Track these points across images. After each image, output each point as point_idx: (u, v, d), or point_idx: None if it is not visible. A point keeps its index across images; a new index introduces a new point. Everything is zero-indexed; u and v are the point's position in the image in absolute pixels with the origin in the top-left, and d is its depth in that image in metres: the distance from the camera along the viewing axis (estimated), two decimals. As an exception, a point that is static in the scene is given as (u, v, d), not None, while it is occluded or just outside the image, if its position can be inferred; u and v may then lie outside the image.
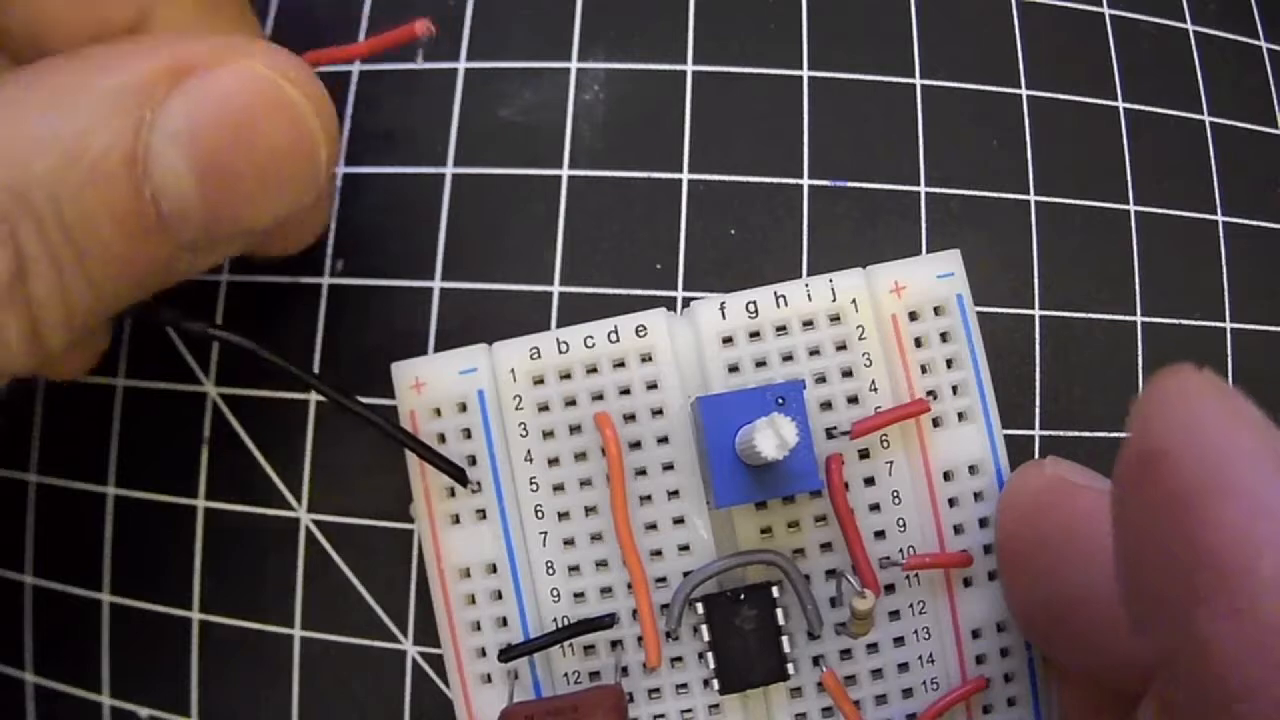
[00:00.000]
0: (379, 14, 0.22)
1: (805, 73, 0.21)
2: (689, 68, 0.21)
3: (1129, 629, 0.12)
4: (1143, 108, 0.21)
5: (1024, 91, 0.21)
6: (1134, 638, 0.12)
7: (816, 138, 0.20)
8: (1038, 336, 0.20)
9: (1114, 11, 0.22)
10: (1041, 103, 0.21)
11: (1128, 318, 0.20)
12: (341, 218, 0.20)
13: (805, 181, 0.20)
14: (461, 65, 0.21)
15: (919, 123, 0.21)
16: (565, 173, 0.20)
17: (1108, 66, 0.21)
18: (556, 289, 0.20)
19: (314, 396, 0.20)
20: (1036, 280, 0.20)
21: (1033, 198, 0.20)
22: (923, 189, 0.20)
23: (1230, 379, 0.20)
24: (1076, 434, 0.20)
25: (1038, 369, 0.20)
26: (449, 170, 0.20)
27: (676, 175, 0.20)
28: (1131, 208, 0.21)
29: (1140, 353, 0.20)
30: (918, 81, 0.21)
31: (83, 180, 0.14)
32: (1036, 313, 0.20)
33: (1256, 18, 0.22)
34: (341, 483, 0.20)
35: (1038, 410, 0.20)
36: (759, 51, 0.21)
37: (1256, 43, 0.22)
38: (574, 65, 0.21)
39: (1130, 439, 0.12)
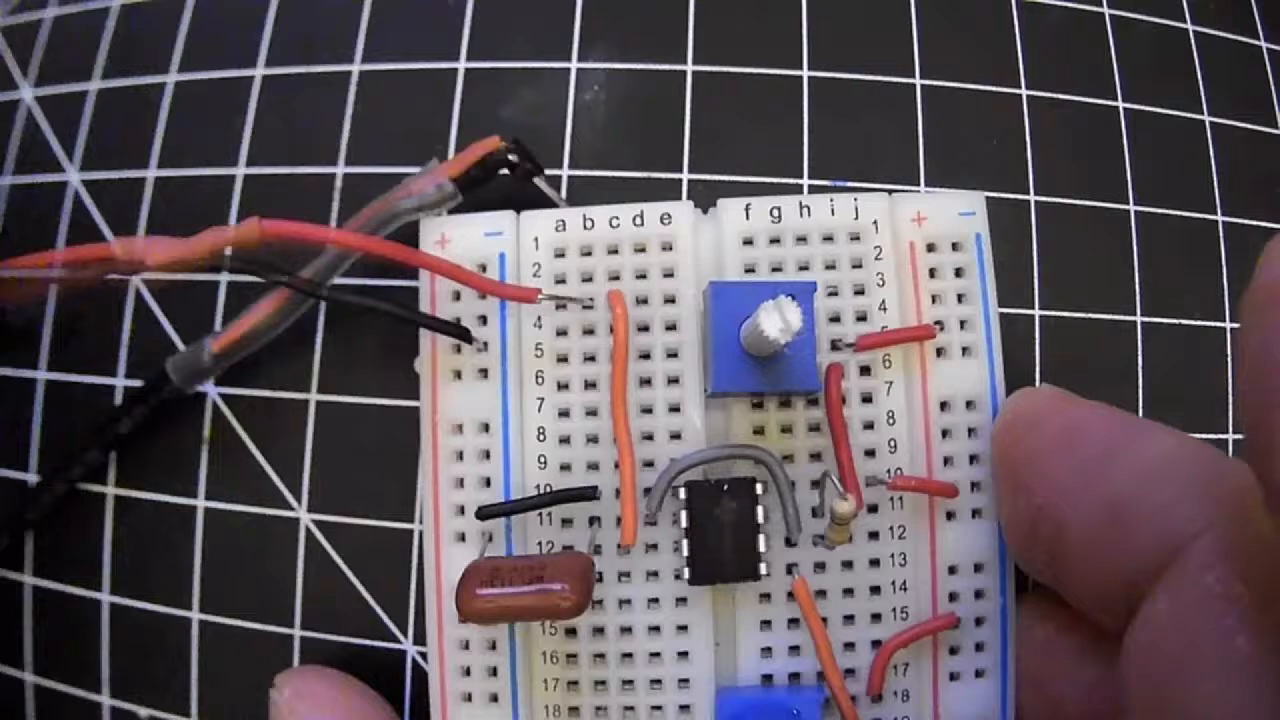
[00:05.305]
0: (379, 14, 0.22)
1: (805, 73, 0.21)
2: (689, 68, 0.21)
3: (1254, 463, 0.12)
4: (1143, 108, 0.21)
5: (1024, 91, 0.21)
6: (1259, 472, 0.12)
7: (816, 138, 0.20)
8: (1038, 336, 0.20)
9: (1114, 11, 0.22)
10: (1041, 103, 0.21)
11: (1128, 318, 0.20)
12: (343, 217, 0.20)
13: (805, 181, 0.20)
14: (461, 65, 0.21)
15: (919, 123, 0.21)
16: (565, 173, 0.20)
17: (1108, 66, 0.21)
18: (556, 289, 0.20)
19: (314, 396, 0.20)
20: (1036, 280, 0.20)
21: (1033, 198, 0.20)
22: (923, 189, 0.20)
23: (1230, 379, 0.20)
24: (1076, 434, 0.20)
25: (1038, 369, 0.20)
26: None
27: (676, 175, 0.20)
28: (1131, 208, 0.21)
29: (1140, 353, 0.20)
30: (918, 81, 0.21)
31: None
32: (1036, 313, 0.20)
33: (1256, 18, 0.22)
34: (341, 483, 0.20)
35: (1038, 410, 0.20)
36: (759, 51, 0.21)
37: (1256, 43, 0.22)
38: (574, 65, 0.21)
39: (1261, 270, 0.12)
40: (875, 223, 0.19)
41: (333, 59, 0.21)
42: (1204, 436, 0.20)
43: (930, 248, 0.19)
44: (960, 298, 0.19)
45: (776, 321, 0.15)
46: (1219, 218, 0.21)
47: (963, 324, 0.19)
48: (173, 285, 0.20)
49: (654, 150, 0.20)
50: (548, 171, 0.20)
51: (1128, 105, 0.21)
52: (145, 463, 0.21)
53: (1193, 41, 0.22)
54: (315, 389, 0.20)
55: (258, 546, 0.20)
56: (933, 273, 0.19)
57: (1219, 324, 0.20)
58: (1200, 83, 0.22)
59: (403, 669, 0.19)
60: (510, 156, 0.19)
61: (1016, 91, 0.21)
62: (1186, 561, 0.14)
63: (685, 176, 0.20)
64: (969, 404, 0.18)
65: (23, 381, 0.21)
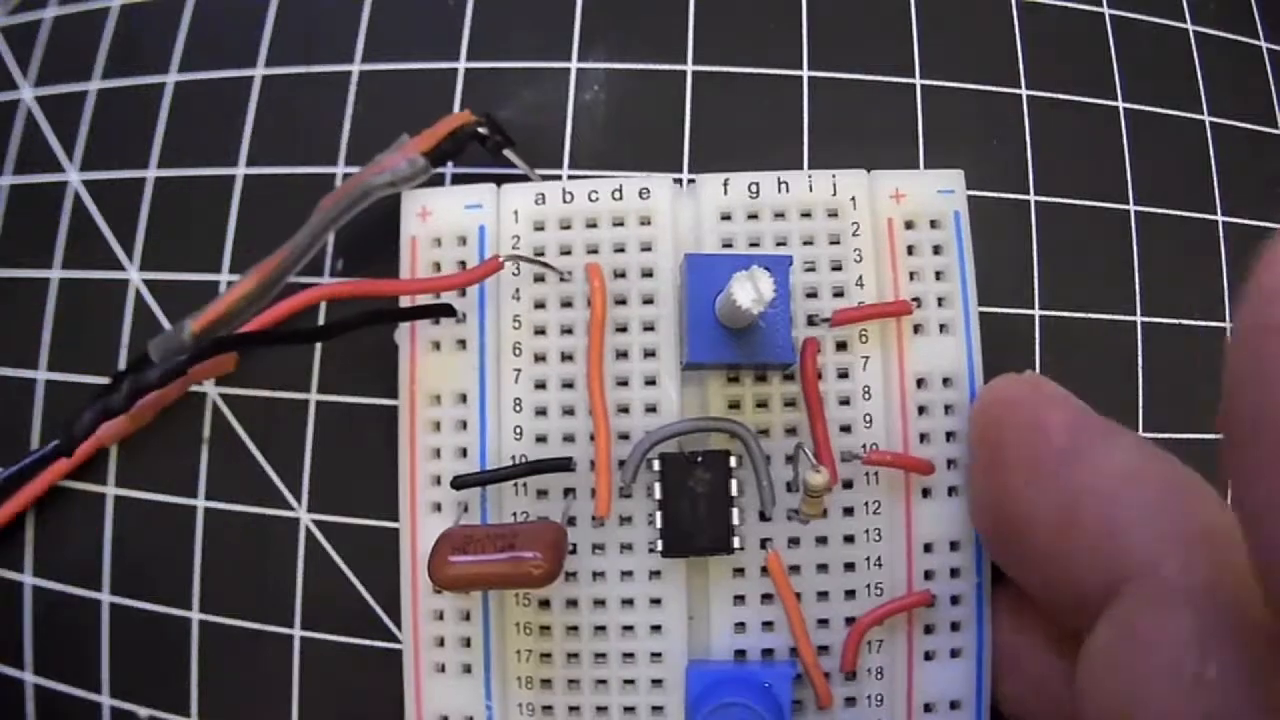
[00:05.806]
0: (379, 14, 0.22)
1: (805, 72, 0.21)
2: (689, 68, 0.21)
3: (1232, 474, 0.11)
4: (1143, 108, 0.21)
5: (1024, 91, 0.21)
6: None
7: (817, 137, 0.20)
8: (1038, 336, 0.20)
9: (1114, 11, 0.22)
10: (1041, 103, 0.21)
11: (1128, 318, 0.20)
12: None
13: (805, 181, 0.20)
14: (461, 65, 0.21)
15: (919, 122, 0.21)
16: (565, 172, 0.20)
17: (1108, 66, 0.21)
18: (556, 289, 0.20)
19: (314, 396, 0.20)
20: (1036, 280, 0.20)
21: (1033, 198, 0.20)
22: (923, 189, 0.20)
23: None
24: (1076, 434, 0.20)
25: (1037, 369, 0.20)
26: (449, 170, 0.20)
27: (676, 175, 0.20)
28: (1131, 208, 0.21)
29: (1140, 353, 0.20)
30: (918, 81, 0.21)
31: None
32: (1036, 313, 0.20)
33: (1256, 18, 0.22)
34: (341, 483, 0.20)
35: (1038, 410, 0.20)
36: (759, 51, 0.21)
37: (1256, 43, 0.22)
38: (574, 65, 0.21)
39: (1258, 275, 0.11)
40: (853, 199, 0.19)
41: (333, 59, 0.21)
42: (1202, 437, 0.20)
43: (909, 225, 0.19)
44: (938, 275, 0.19)
45: (749, 292, 0.15)
46: (1219, 218, 0.21)
47: (940, 301, 0.19)
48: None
49: (654, 150, 0.20)
50: (547, 171, 0.20)
51: (1128, 105, 0.21)
52: (145, 463, 0.21)
53: (1193, 41, 0.22)
54: (315, 389, 0.20)
55: (258, 546, 0.20)
56: (911, 250, 0.19)
57: (1219, 324, 0.20)
58: (1200, 83, 0.22)
59: (402, 669, 0.19)
60: (480, 129, 0.19)
61: (1016, 91, 0.21)
62: (1143, 594, 0.13)
63: (685, 176, 0.20)
64: (946, 381, 0.18)
65: (23, 381, 0.21)
